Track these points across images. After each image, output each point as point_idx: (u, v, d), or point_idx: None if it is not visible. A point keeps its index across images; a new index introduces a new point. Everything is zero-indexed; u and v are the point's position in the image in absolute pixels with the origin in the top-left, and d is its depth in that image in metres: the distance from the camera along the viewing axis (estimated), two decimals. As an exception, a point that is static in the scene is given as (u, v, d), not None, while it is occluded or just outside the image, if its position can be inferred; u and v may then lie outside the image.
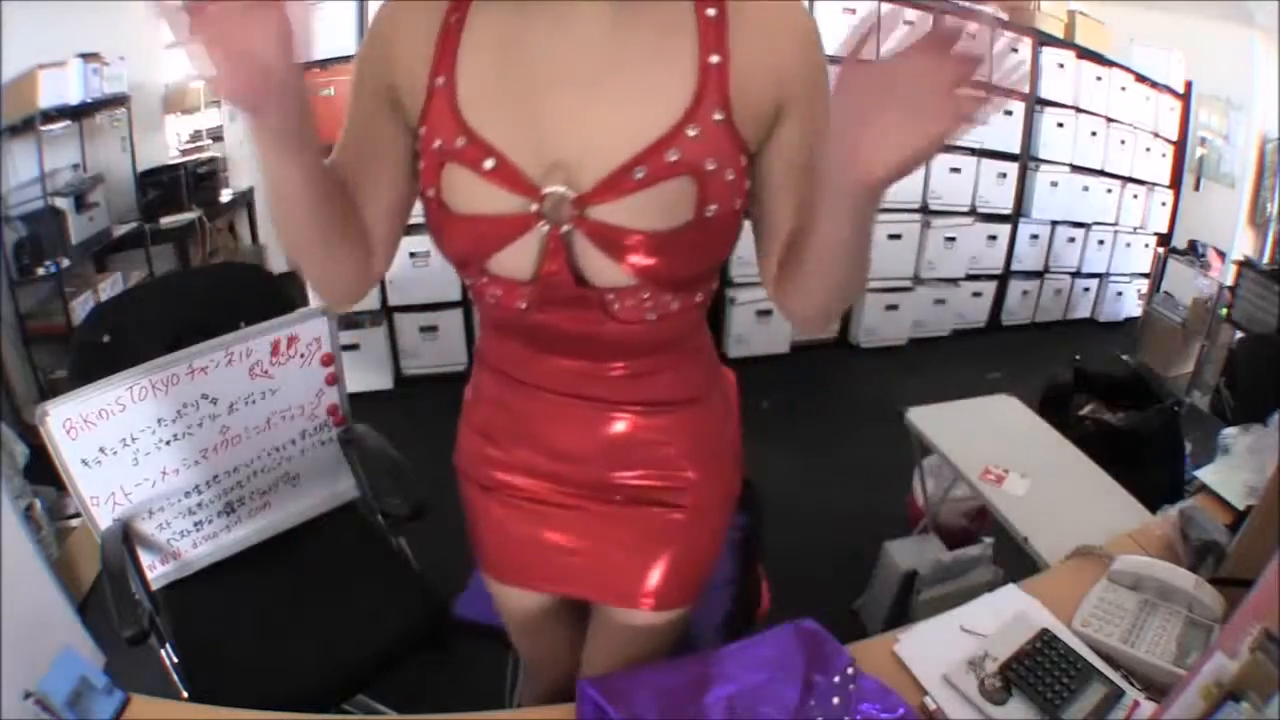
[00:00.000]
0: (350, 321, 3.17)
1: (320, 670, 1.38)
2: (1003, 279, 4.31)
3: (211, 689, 1.31)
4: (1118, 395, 2.49)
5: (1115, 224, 4.57)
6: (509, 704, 1.44)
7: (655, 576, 0.99)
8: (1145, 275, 4.61)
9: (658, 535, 0.98)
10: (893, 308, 3.96)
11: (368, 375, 3.23)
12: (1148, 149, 4.48)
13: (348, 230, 0.80)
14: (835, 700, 0.97)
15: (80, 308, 2.88)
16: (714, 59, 0.73)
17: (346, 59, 2.93)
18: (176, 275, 3.25)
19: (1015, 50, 3.49)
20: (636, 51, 0.74)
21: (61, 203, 2.89)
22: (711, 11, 0.74)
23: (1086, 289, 4.65)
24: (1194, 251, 4.15)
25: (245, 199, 4.00)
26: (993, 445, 1.84)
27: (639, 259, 0.76)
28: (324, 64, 2.97)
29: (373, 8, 2.93)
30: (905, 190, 3.83)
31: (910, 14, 3.59)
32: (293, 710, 1.06)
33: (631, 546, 0.99)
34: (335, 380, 1.61)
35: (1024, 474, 1.74)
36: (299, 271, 0.82)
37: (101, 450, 1.37)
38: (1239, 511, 1.40)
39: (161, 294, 1.79)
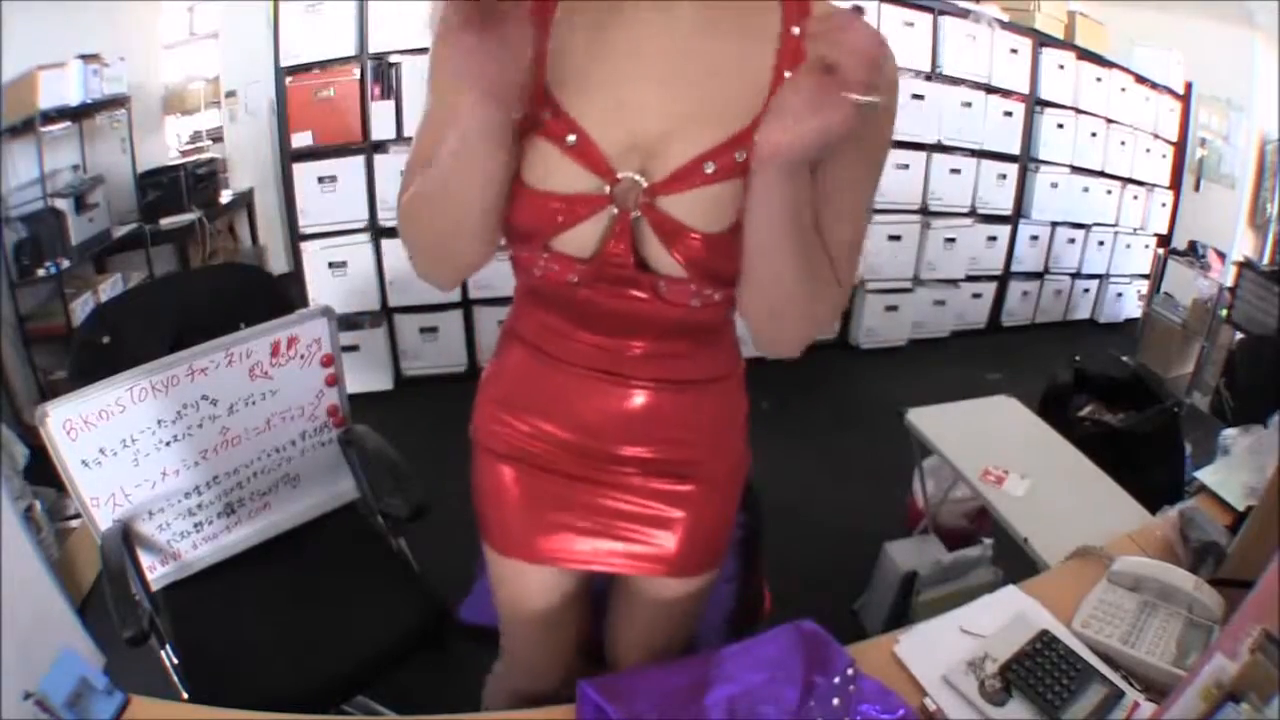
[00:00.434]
0: (350, 322, 3.18)
1: (320, 671, 1.38)
2: (1003, 280, 4.32)
3: (211, 690, 1.31)
4: (1118, 396, 2.49)
5: (1115, 225, 4.57)
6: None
7: (670, 543, 1.03)
8: (1145, 276, 4.62)
9: (672, 504, 1.02)
10: (893, 308, 3.96)
11: (368, 376, 3.22)
12: (1148, 150, 4.49)
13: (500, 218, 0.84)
14: (835, 701, 0.97)
15: (80, 309, 2.88)
16: (789, 74, 0.78)
17: (346, 60, 2.97)
18: (176, 276, 3.25)
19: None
20: (720, 55, 0.78)
21: (61, 204, 2.88)
22: (796, 29, 0.79)
23: (1086, 290, 4.66)
24: (1194, 252, 4.15)
25: (245, 200, 4.00)
26: (993, 446, 1.84)
27: (692, 254, 0.79)
28: (324, 65, 2.99)
29: (373, 8, 2.95)
30: (905, 191, 3.83)
31: (910, 15, 3.62)
32: (292, 711, 1.06)
33: (645, 517, 1.02)
34: (335, 381, 1.61)
35: (1024, 475, 1.74)
36: (429, 260, 0.88)
37: (101, 451, 1.37)
38: (1239, 512, 1.41)
39: (161, 295, 1.78)
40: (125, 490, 1.42)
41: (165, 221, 3.46)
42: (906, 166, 3.77)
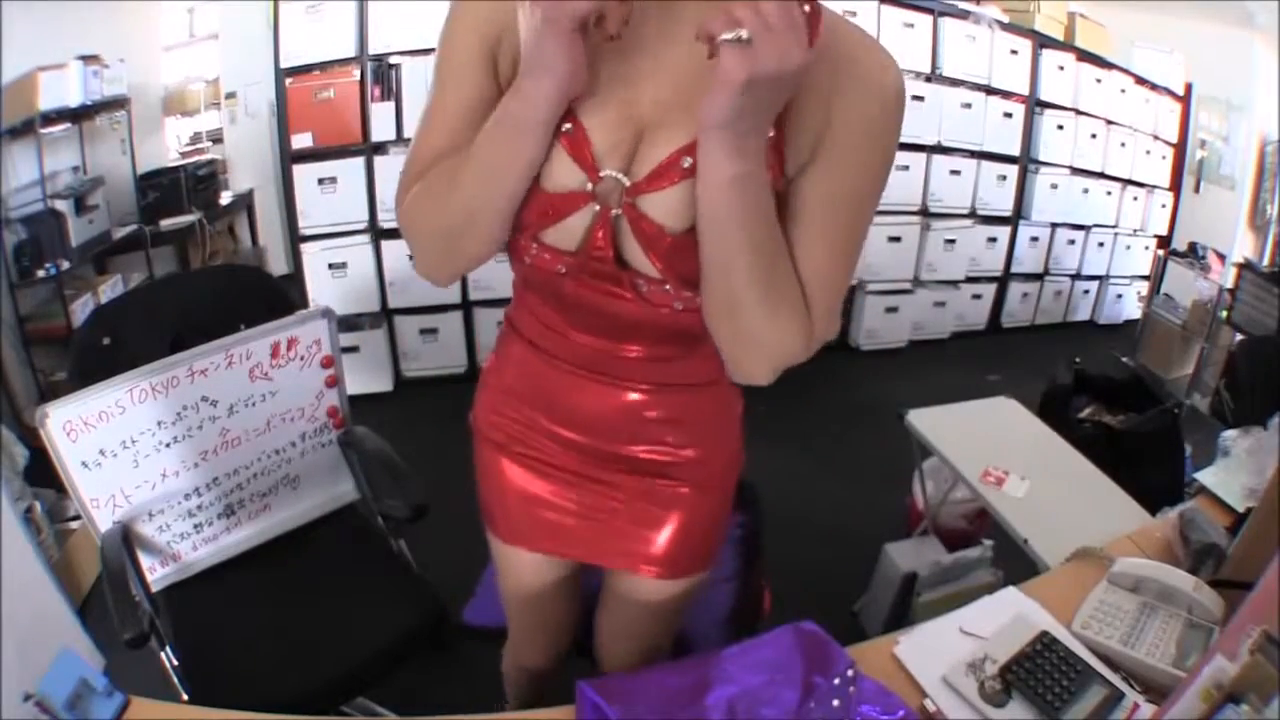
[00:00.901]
0: (350, 324, 3.18)
1: (320, 672, 1.38)
2: (1003, 281, 4.32)
3: (211, 691, 1.31)
4: (1118, 397, 2.50)
5: (1115, 226, 4.57)
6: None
7: (661, 543, 1.04)
8: (1145, 277, 4.61)
9: (663, 505, 1.03)
10: (892, 310, 3.96)
11: (368, 377, 3.22)
12: (1148, 151, 4.49)
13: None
14: (835, 702, 0.97)
15: (80, 310, 2.88)
16: None
17: (346, 61, 2.97)
18: (176, 277, 3.24)
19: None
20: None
21: (61, 205, 2.88)
22: None
23: (1086, 291, 4.66)
24: (1194, 254, 4.15)
25: (245, 201, 4.00)
26: (993, 447, 1.84)
27: (664, 254, 0.79)
28: (324, 67, 2.99)
29: (373, 8, 2.95)
30: (905, 192, 3.84)
31: (910, 16, 3.62)
32: (292, 712, 1.05)
33: (637, 516, 1.03)
34: (335, 382, 1.61)
35: (1024, 476, 1.74)
36: (436, 252, 0.87)
37: (101, 452, 1.37)
38: (1239, 514, 1.41)
39: (161, 296, 1.78)
40: (125, 491, 1.42)
41: (165, 223, 3.46)
42: (906, 168, 3.77)
